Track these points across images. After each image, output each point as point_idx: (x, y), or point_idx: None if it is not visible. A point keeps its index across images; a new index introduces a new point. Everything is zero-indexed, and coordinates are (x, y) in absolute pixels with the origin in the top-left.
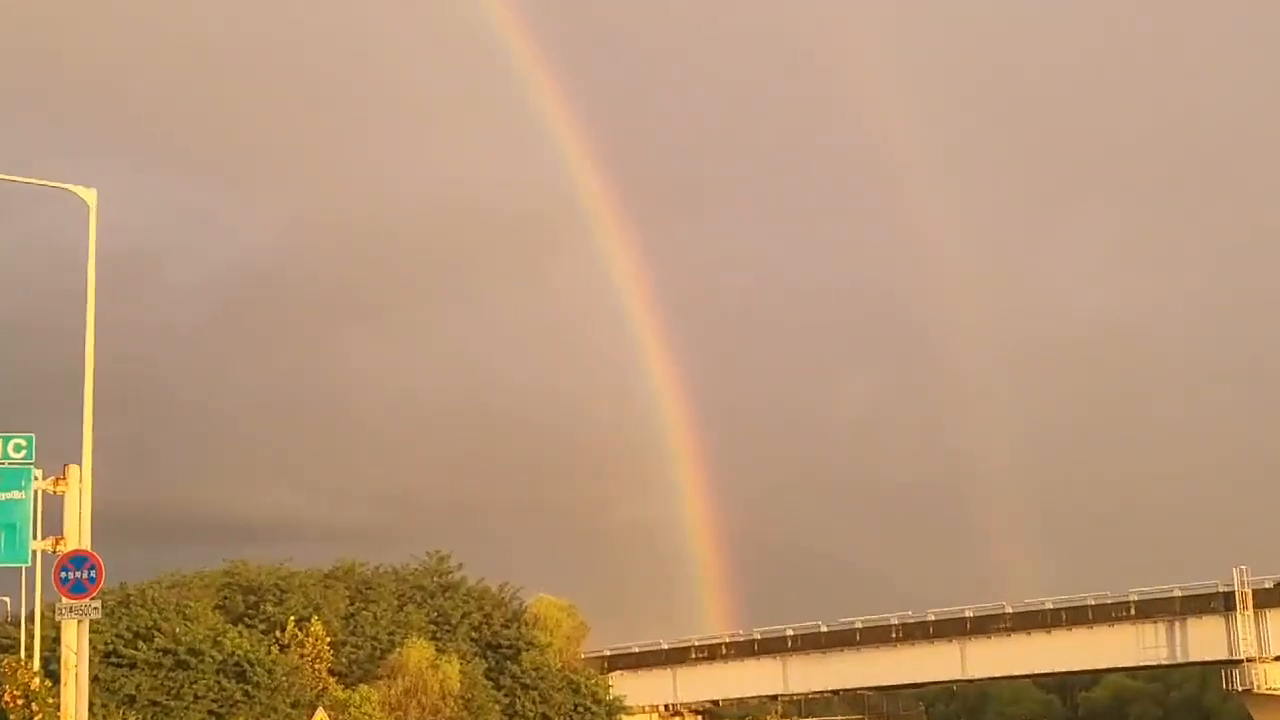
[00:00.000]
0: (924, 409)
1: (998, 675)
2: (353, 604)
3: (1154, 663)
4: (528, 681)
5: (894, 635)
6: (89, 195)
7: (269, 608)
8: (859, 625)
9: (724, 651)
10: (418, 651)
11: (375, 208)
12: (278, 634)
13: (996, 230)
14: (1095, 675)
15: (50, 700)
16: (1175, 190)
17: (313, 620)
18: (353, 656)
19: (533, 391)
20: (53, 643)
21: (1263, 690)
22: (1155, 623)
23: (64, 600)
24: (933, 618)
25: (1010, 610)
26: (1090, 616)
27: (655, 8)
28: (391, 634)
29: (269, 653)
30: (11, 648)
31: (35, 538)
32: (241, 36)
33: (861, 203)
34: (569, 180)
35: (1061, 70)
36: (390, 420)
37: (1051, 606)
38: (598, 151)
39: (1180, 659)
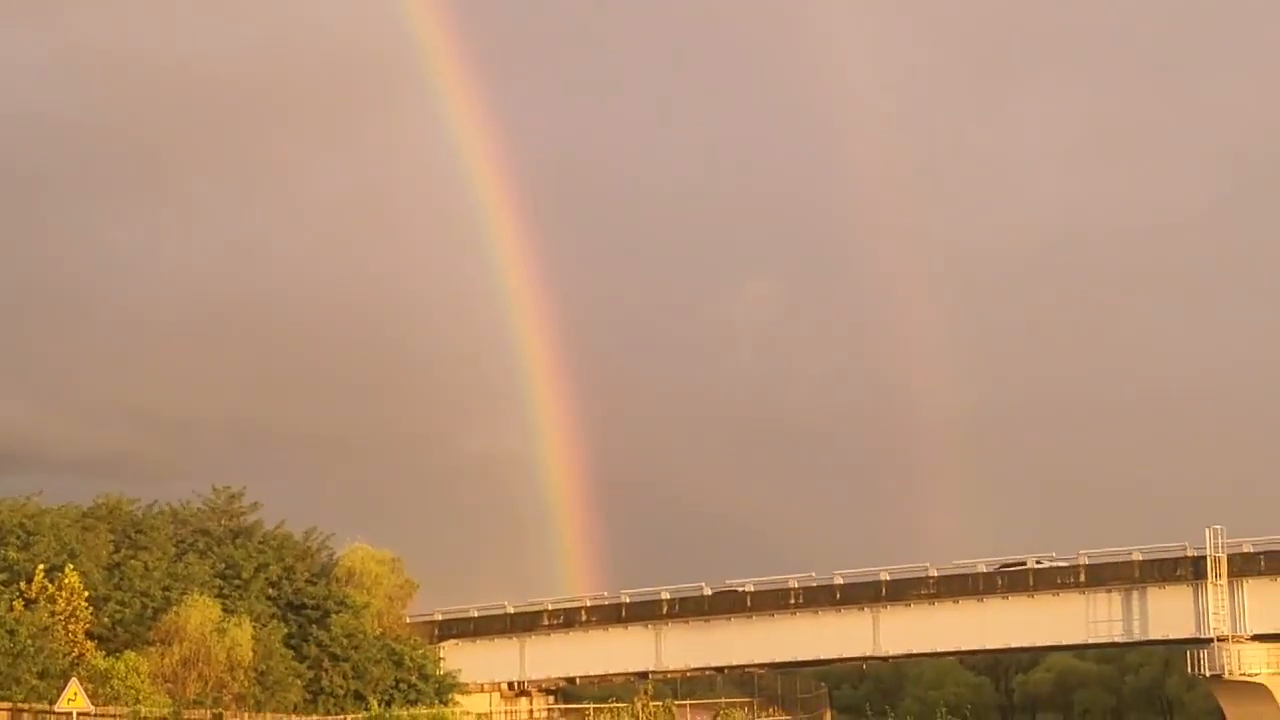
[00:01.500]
0: (841, 330)
1: (918, 652)
2: (118, 551)
3: (1106, 640)
4: (338, 651)
5: (793, 601)
6: None
7: (11, 553)
8: (750, 588)
9: (584, 618)
10: (200, 611)
11: (159, 41)
12: (22, 586)
13: (938, 110)
14: (1036, 654)
15: None
16: (1164, 71)
17: (67, 570)
18: (118, 616)
19: (348, 289)
20: None
21: (1236, 676)
22: (1109, 592)
23: None
24: (840, 581)
25: (935, 573)
26: (1031, 583)
27: None
28: (167, 589)
29: (10, 609)
30: None
31: None
32: None
33: (771, 73)
34: (400, 17)
35: None
36: (164, 320)
37: (985, 570)
38: None
39: (1138, 636)
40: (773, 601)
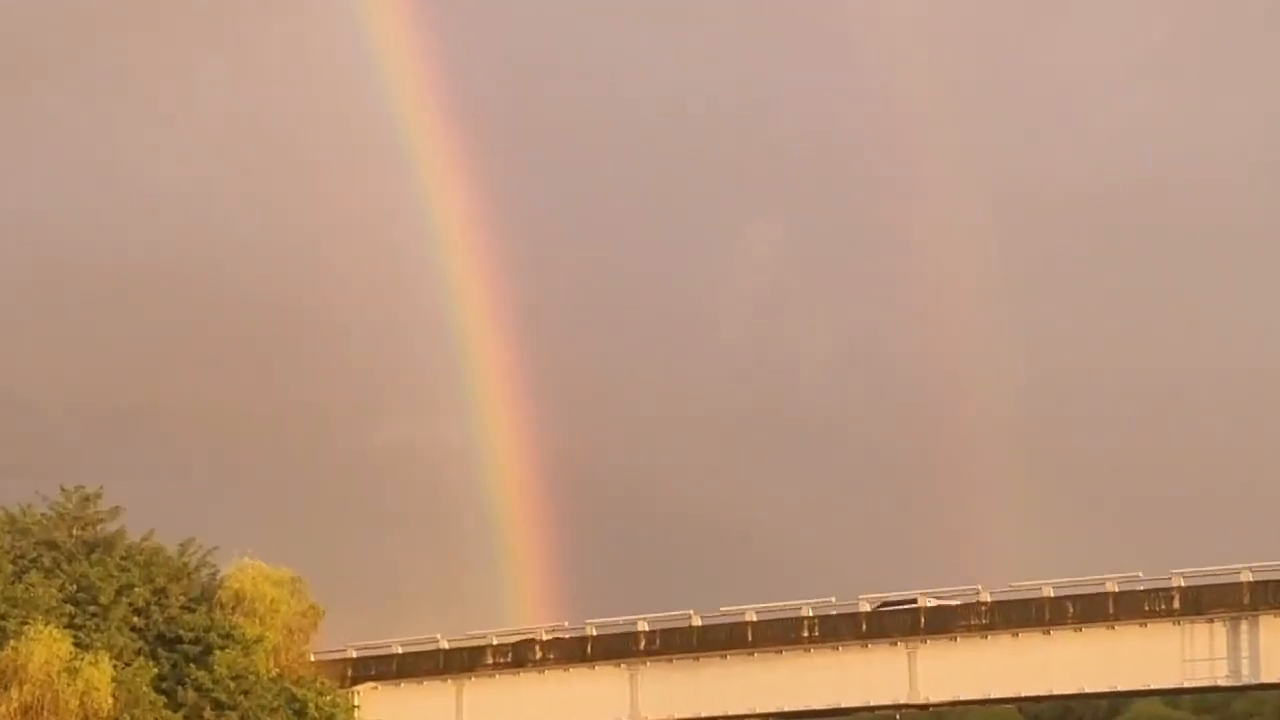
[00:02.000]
0: (861, 297)
1: (966, 699)
2: None
3: (1207, 683)
4: (223, 697)
5: (806, 633)
6: None
7: None
8: (751, 618)
9: (539, 655)
10: (45, 646)
11: None
12: None
13: (986, 18)
14: (1116, 701)
15: None
16: None
17: None
18: None
19: (233, 233)
20: None
21: None
22: (1211, 622)
23: None
24: (867, 608)
25: (988, 598)
26: (1111, 610)
27: None
28: (3, 618)
29: None
30: None
31: None
32: None
33: None
34: None
35: None
36: None
37: (1052, 594)
38: None
39: (1248, 679)
40: (781, 634)
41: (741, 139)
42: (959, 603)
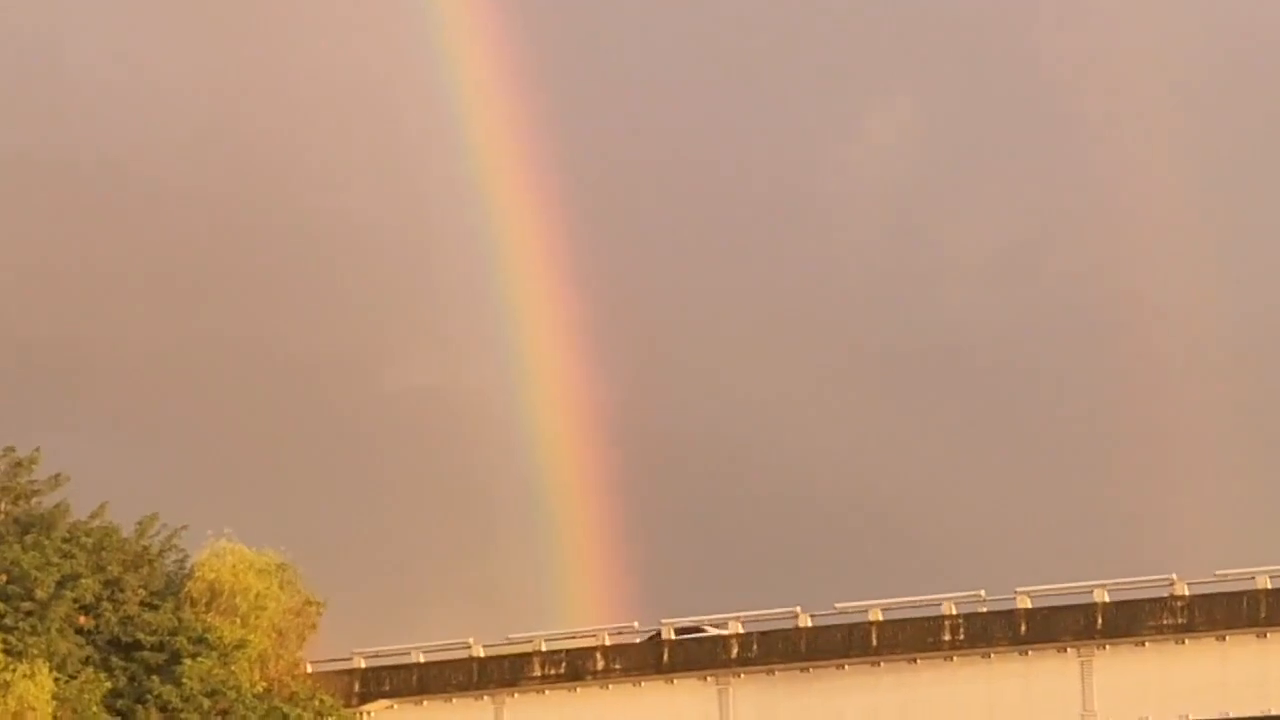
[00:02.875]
0: (1018, 195)
1: None
2: None
3: None
4: (194, 718)
5: (948, 637)
6: None
7: None
8: (877, 617)
9: (600, 665)
10: None
11: None
12: None
13: None
14: None
15: None
16: None
17: None
18: None
19: (199, 118)
20: None
21: None
22: None
23: None
24: (1028, 604)
25: (1185, 592)
26: None
27: None
28: None
29: None
30: None
31: None
32: None
33: None
34: None
35: None
36: None
37: (1270, 585)
38: None
39: None
40: (915, 637)
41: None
42: (1146, 597)
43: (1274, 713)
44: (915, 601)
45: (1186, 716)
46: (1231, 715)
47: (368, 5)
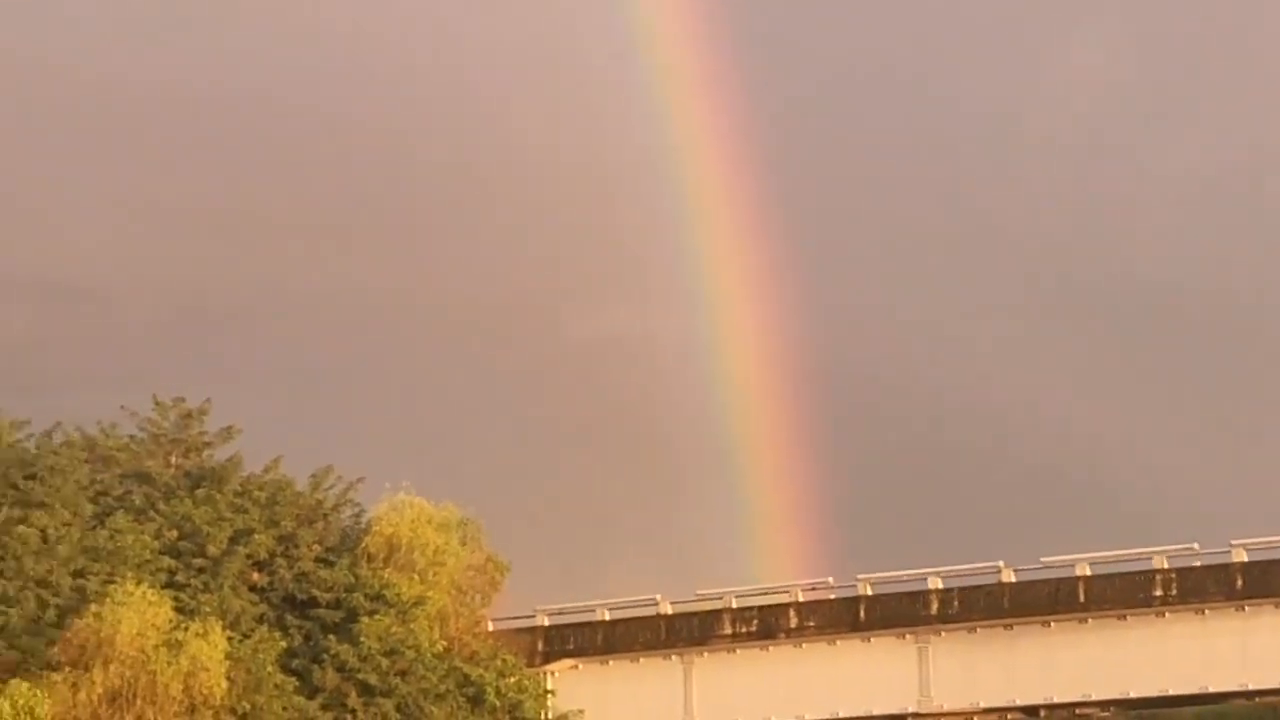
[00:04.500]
0: (1236, 117)
1: None
2: None
3: None
4: (372, 678)
5: (1160, 592)
6: None
7: None
8: (1085, 571)
9: (794, 624)
10: (138, 612)
11: None
12: None
13: None
14: None
15: None
16: None
17: None
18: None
19: (376, 76)
20: None
21: None
22: None
23: None
24: (1245, 557)
25: None
26: None
27: None
28: (81, 574)
29: None
30: None
31: None
32: None
33: None
34: None
35: None
36: (53, 116)
37: None
38: None
39: None
40: (1125, 593)
41: None
42: None
43: None
44: (1124, 555)
45: None
46: None
47: None
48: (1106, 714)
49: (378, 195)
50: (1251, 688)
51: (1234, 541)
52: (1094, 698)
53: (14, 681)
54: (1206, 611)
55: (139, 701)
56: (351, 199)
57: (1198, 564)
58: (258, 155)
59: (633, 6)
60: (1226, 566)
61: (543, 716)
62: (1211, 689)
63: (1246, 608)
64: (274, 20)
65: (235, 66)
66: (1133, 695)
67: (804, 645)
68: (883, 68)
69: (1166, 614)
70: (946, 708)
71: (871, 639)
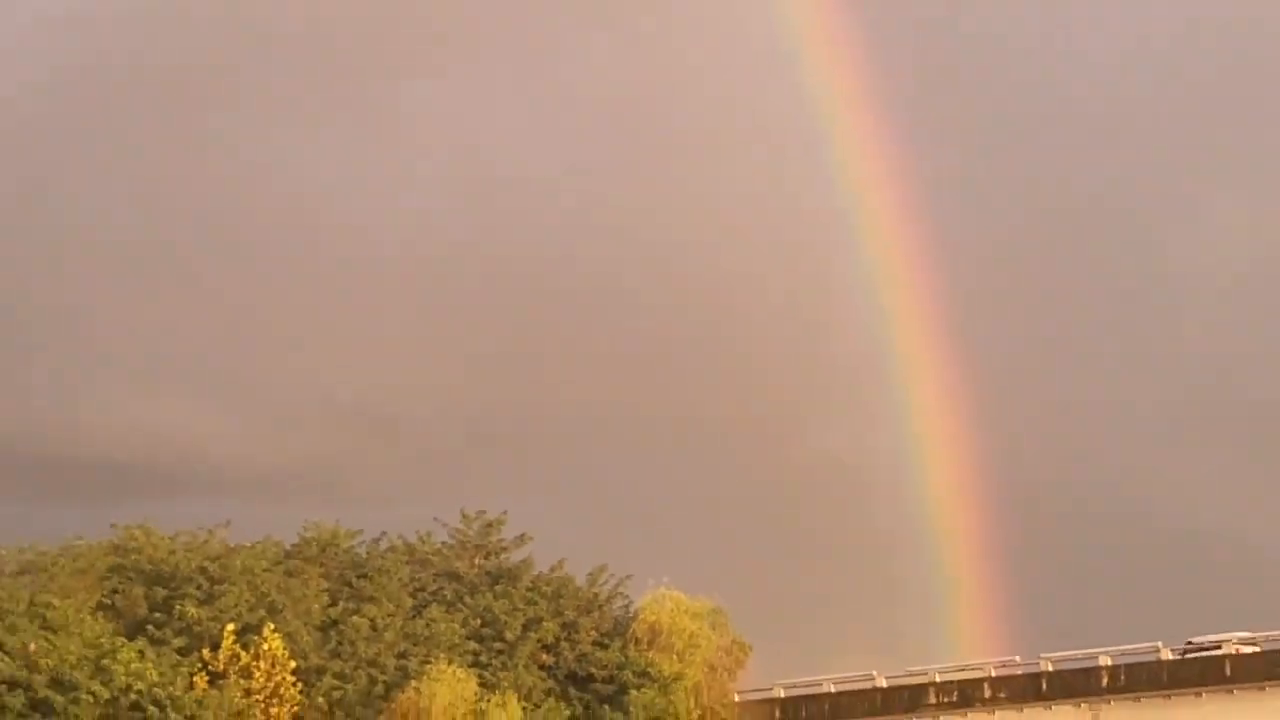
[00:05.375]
0: None
1: None
2: (335, 604)
3: None
4: None
5: None
6: None
7: (190, 609)
8: (1234, 649)
9: (988, 694)
10: (449, 686)
11: None
12: (205, 654)
13: None
14: None
15: None
16: None
17: (266, 631)
18: (336, 695)
19: (628, 222)
20: None
21: None
22: None
23: None
24: None
25: None
26: None
27: None
28: (403, 656)
29: (190, 687)
30: None
31: None
32: None
33: None
34: None
35: None
36: (371, 278)
37: None
38: None
39: None
40: (1269, 668)
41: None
42: None
43: None
44: (1268, 636)
45: None
46: None
47: (779, 143)
48: None
49: (640, 331)
50: None
51: None
52: None
53: None
54: None
55: None
56: (616, 336)
57: None
58: (536, 305)
59: (847, 171)
60: None
61: None
62: None
63: None
64: (539, 186)
65: (523, 238)
66: None
67: (996, 713)
68: (1074, 209)
69: None
70: None
71: (1053, 707)
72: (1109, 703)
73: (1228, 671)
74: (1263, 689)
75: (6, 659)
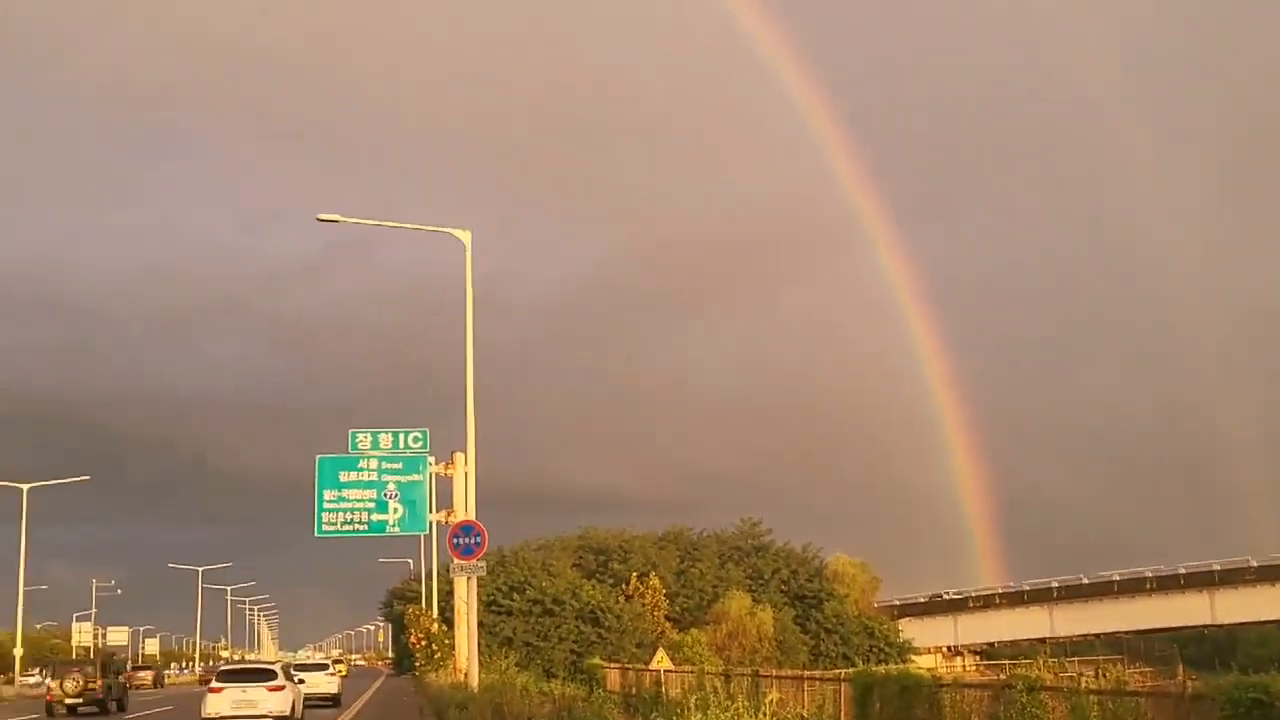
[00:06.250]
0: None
1: (1245, 621)
2: (682, 562)
3: None
4: (830, 627)
5: (1149, 586)
6: (464, 236)
7: (615, 565)
8: (1116, 577)
9: (997, 601)
10: (737, 602)
11: (678, 229)
12: (623, 587)
13: None
14: None
15: (446, 641)
16: None
17: (651, 576)
18: (684, 606)
19: (822, 380)
20: (446, 595)
21: None
22: None
23: (456, 561)
24: (1184, 570)
25: (1255, 564)
26: None
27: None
28: (715, 587)
29: (617, 602)
30: (415, 599)
31: (431, 511)
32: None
33: None
34: (837, 191)
35: None
36: (693, 410)
37: None
38: (861, 165)
39: None
40: (1134, 586)
41: None
42: (1237, 567)
43: None
44: (1133, 571)
45: (1258, 618)
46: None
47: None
48: (1129, 636)
49: (818, 444)
50: (1188, 623)
51: (1180, 564)
52: (1124, 630)
53: (691, 630)
54: (1168, 594)
55: (739, 637)
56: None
57: (1164, 574)
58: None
59: (901, 331)
60: (1174, 575)
61: (898, 641)
62: (1171, 625)
63: (1186, 593)
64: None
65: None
66: (1139, 628)
67: (1002, 610)
68: (1090, 315)
69: (1153, 595)
70: (1061, 635)
71: (1029, 607)
72: (1058, 605)
73: (1115, 589)
74: (1133, 598)
75: (532, 589)
